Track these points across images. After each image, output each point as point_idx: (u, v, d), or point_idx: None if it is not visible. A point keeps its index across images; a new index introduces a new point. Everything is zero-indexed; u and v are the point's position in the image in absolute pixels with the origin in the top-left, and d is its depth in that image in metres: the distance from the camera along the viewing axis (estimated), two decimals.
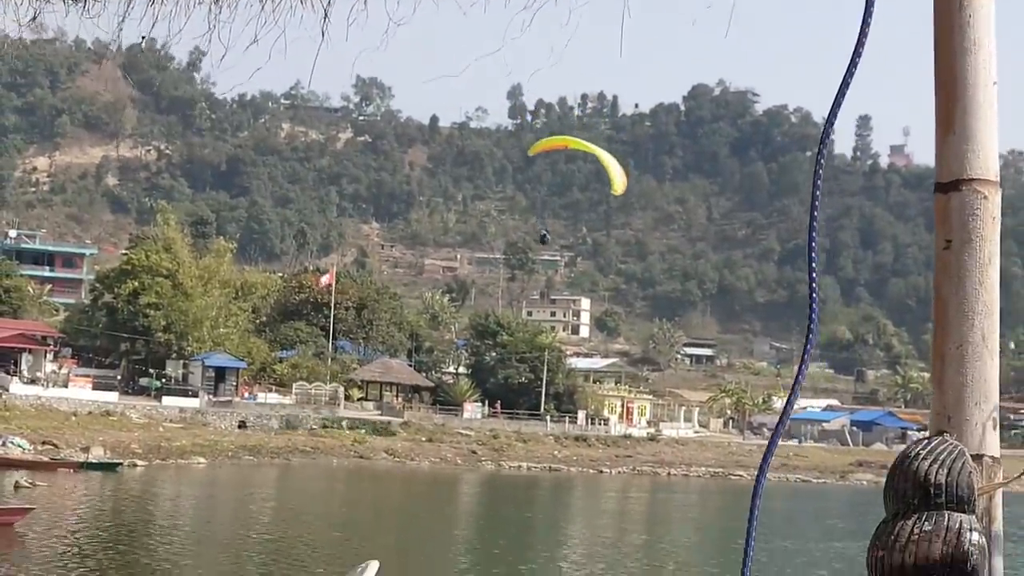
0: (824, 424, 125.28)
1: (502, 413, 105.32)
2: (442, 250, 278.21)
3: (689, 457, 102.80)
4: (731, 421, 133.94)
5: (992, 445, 2.82)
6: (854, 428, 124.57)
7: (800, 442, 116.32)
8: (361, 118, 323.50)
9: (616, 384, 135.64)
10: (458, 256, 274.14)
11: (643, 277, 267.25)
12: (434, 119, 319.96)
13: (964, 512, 2.69)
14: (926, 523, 2.68)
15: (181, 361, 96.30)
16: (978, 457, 2.78)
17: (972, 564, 2.64)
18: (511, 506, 62.39)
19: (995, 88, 2.90)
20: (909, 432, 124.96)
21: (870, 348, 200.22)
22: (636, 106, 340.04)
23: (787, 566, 39.67)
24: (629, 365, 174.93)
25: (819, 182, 3.10)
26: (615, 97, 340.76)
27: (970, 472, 2.71)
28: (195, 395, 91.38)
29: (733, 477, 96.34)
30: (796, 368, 3.17)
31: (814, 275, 3.07)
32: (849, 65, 3.02)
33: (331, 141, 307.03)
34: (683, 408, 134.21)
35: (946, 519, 2.67)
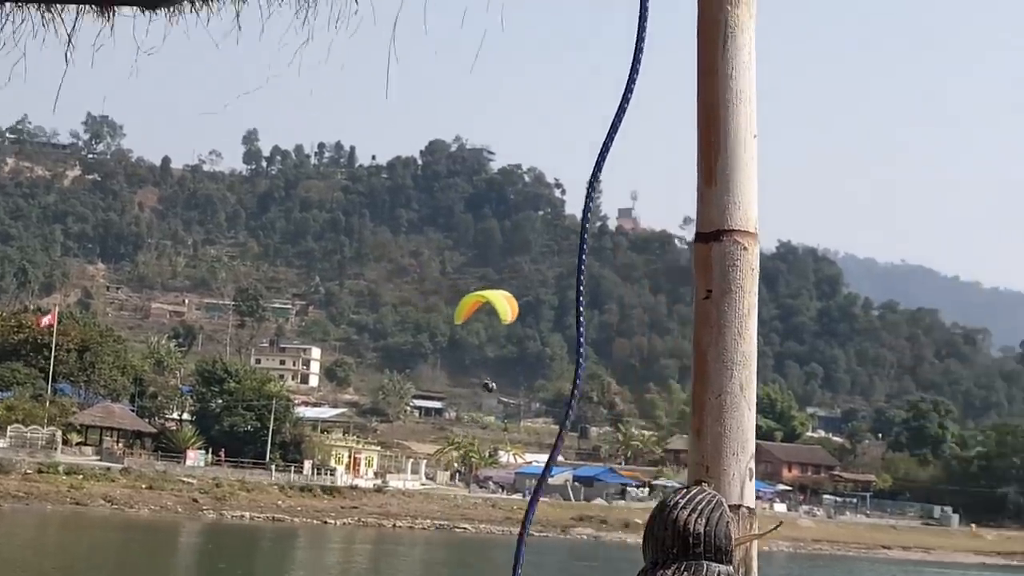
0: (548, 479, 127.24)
1: (226, 461, 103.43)
2: (170, 294, 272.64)
3: (415, 509, 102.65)
4: (458, 474, 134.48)
5: (749, 496, 2.83)
6: (576, 483, 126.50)
7: (525, 496, 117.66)
8: (90, 156, 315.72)
9: (344, 434, 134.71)
10: (186, 301, 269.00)
11: (375, 328, 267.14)
12: (166, 160, 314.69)
13: (722, 563, 2.68)
14: (684, 572, 2.66)
15: None
16: (736, 507, 2.79)
17: None
18: (230, 557, 61.11)
19: (755, 141, 2.94)
20: (629, 488, 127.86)
21: (594, 405, 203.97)
22: (373, 157, 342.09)
23: None
24: (358, 415, 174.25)
25: (584, 245, 3.07)
26: (352, 148, 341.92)
27: (728, 522, 2.71)
28: None
29: (458, 530, 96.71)
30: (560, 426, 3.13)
31: (581, 339, 3.05)
32: (612, 124, 3.01)
33: (58, 178, 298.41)
34: (411, 460, 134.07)
35: (704, 569, 2.66)
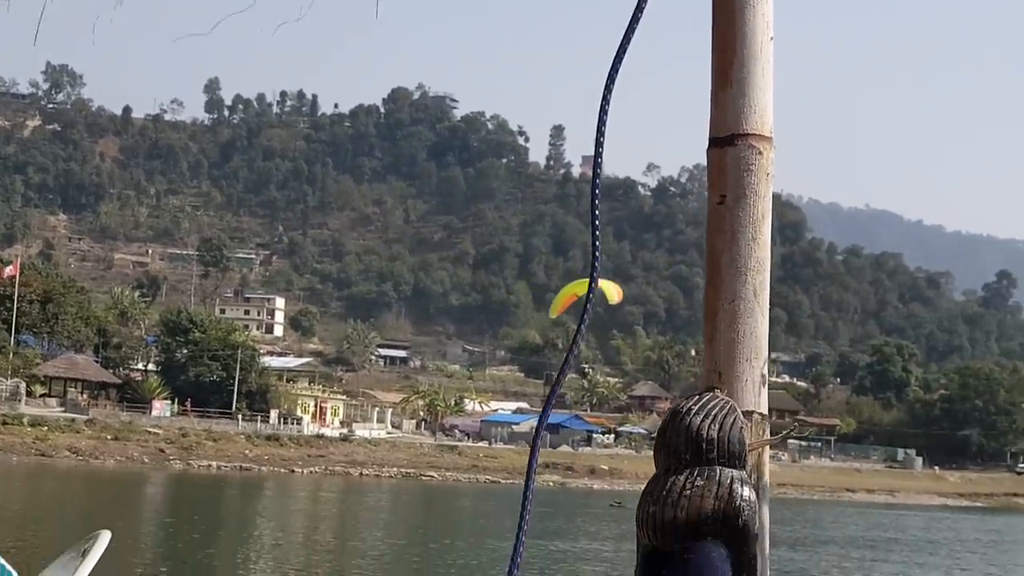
0: (514, 426, 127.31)
1: (192, 411, 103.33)
2: (133, 245, 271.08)
3: (381, 458, 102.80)
4: (424, 422, 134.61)
5: (762, 402, 2.80)
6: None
7: (491, 444, 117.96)
8: (50, 106, 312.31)
9: (310, 384, 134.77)
10: (149, 251, 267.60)
11: (339, 277, 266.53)
12: (127, 109, 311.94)
13: (735, 467, 2.66)
14: (698, 478, 2.64)
15: None
16: (748, 413, 2.76)
17: (744, 519, 2.62)
18: (199, 506, 61.08)
19: (772, 43, 2.89)
20: (594, 434, 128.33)
21: (559, 353, 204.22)
22: (336, 106, 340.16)
23: (493, 566, 40.05)
24: (323, 365, 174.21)
25: (596, 200, 2.99)
26: (315, 96, 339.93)
27: (741, 428, 2.69)
28: None
29: (424, 478, 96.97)
30: (556, 375, 3.09)
31: (590, 304, 2.98)
32: (609, 75, 2.93)
33: (17, 128, 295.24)
34: (376, 409, 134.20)
35: (718, 474, 2.64)
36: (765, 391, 2.82)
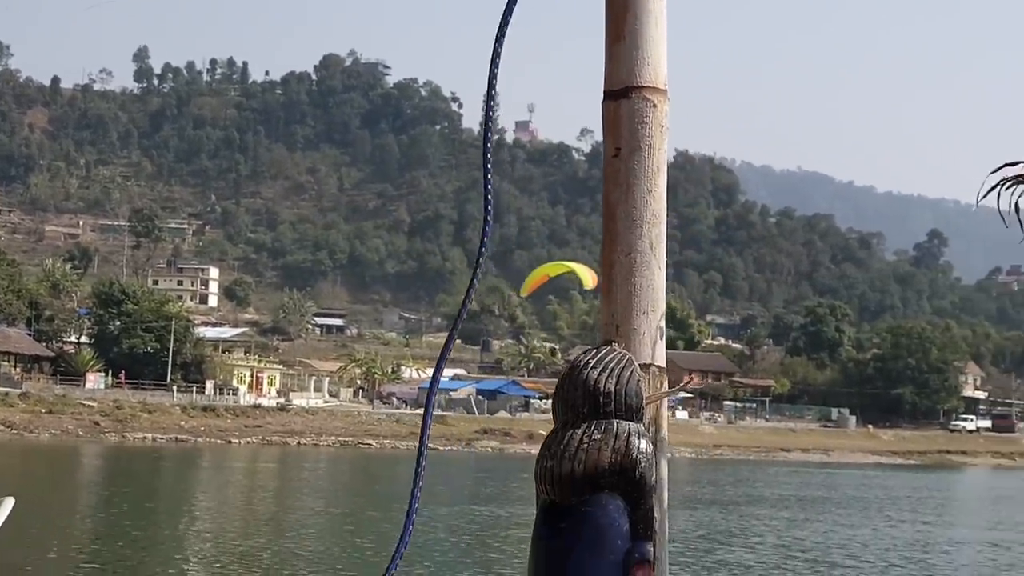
0: (452, 393, 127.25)
1: (127, 383, 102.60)
2: (63, 216, 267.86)
3: (319, 427, 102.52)
4: (361, 391, 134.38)
5: (659, 355, 2.81)
6: (480, 397, 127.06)
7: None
8: None
9: (246, 354, 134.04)
10: (80, 223, 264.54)
11: (273, 246, 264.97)
12: (56, 80, 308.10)
13: (632, 420, 2.67)
14: (595, 431, 2.64)
15: None
16: (646, 366, 2.76)
17: (640, 471, 2.63)
18: (135, 478, 60.73)
19: None
20: (532, 400, 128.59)
21: (495, 319, 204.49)
22: (267, 73, 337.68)
23: (436, 531, 40.07)
24: (259, 335, 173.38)
25: (489, 165, 2.97)
26: (245, 64, 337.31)
27: (638, 381, 2.69)
28: None
29: (362, 446, 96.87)
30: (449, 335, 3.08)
31: (483, 253, 2.96)
32: (493, 50, 2.90)
33: None
34: (313, 378, 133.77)
35: (615, 427, 2.65)
36: (663, 344, 2.83)
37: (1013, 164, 2.83)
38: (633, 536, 2.63)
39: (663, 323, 2.81)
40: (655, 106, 2.83)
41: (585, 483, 2.61)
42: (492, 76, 2.86)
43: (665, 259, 2.83)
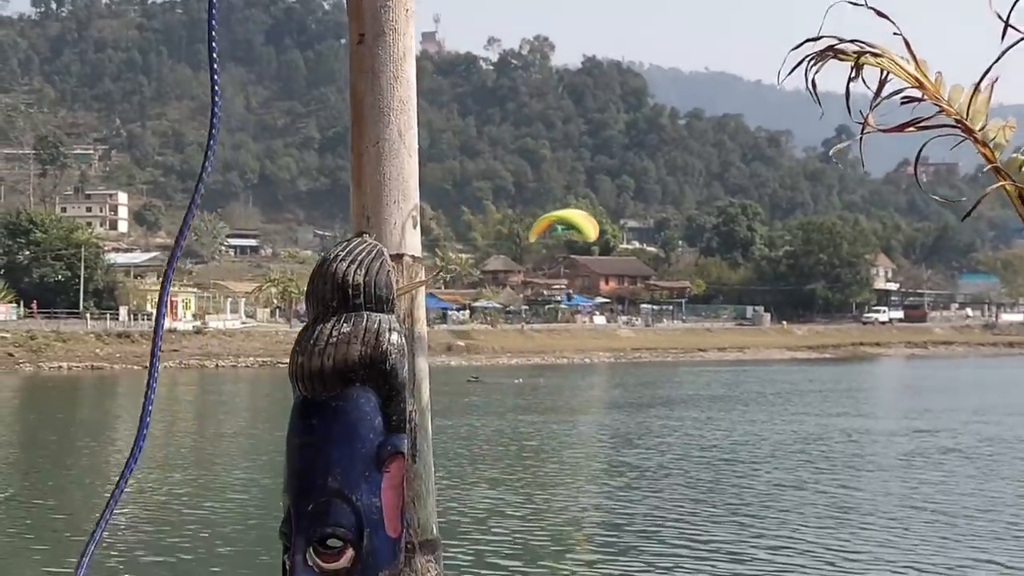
0: None
1: (39, 313, 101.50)
2: None
3: (237, 348, 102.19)
4: (278, 310, 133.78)
5: (412, 244, 2.76)
6: None
7: None
8: None
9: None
10: None
11: (182, 169, 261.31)
12: None
13: (383, 312, 2.62)
14: (344, 324, 2.60)
15: None
16: (398, 257, 2.71)
17: (391, 363, 2.59)
18: (52, 408, 60.22)
19: None
20: (449, 312, 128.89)
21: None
22: None
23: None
24: None
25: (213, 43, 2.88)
26: None
27: (388, 272, 2.65)
28: None
29: (281, 365, 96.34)
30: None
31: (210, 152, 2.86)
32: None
33: None
34: (229, 300, 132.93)
35: (365, 320, 2.60)
36: (417, 233, 2.78)
37: (816, 39, 2.76)
38: (387, 429, 2.60)
39: (416, 213, 2.76)
40: None
41: (336, 377, 2.57)
42: None
43: (416, 146, 2.77)
